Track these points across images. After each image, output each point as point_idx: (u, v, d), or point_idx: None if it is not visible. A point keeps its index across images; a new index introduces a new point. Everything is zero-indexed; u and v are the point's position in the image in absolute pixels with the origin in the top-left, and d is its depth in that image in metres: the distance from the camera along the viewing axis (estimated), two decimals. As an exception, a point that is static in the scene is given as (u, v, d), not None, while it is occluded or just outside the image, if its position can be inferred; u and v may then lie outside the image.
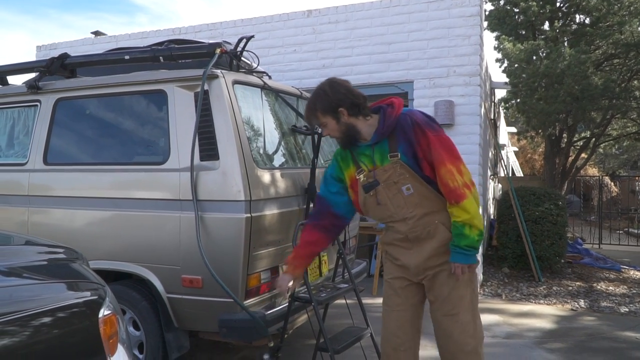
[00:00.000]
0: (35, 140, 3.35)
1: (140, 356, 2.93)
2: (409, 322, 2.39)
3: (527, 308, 5.13)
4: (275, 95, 3.36)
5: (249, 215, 2.69)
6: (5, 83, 3.92)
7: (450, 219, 2.20)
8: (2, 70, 3.81)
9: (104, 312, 1.59)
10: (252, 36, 3.27)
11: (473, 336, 2.29)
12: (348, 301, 3.26)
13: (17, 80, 4.08)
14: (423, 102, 5.74)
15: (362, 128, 2.27)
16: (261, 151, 3.04)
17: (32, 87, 3.39)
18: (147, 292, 2.94)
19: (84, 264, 1.82)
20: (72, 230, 3.14)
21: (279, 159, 3.26)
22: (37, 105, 3.41)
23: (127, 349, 1.70)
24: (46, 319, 1.45)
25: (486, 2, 8.58)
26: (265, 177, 2.90)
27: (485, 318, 4.69)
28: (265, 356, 2.84)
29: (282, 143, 3.34)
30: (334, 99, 2.23)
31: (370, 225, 5.62)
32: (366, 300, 3.50)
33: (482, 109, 5.86)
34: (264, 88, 3.24)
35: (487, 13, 8.64)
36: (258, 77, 3.32)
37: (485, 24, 8.17)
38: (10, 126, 3.58)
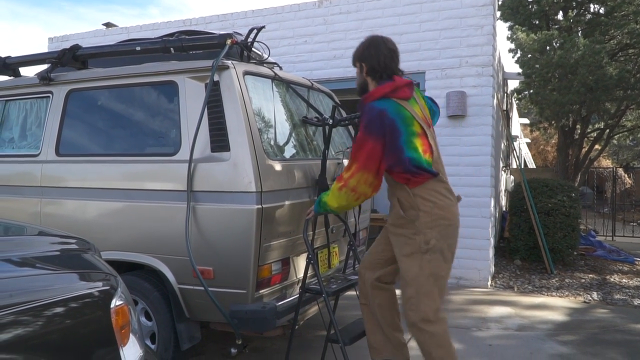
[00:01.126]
0: (47, 131, 3.37)
1: (153, 346, 2.95)
2: (382, 254, 2.74)
3: (539, 300, 5.09)
4: (286, 86, 3.34)
5: (259, 206, 2.68)
6: (18, 74, 3.94)
7: (403, 197, 2.50)
8: (14, 62, 3.82)
9: (115, 302, 1.59)
10: (263, 27, 3.25)
11: (415, 311, 2.45)
12: (359, 293, 3.25)
13: (29, 71, 4.11)
14: (435, 93, 5.69)
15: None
16: (272, 142, 3.03)
17: (44, 78, 3.40)
18: (158, 282, 2.96)
19: (95, 255, 1.83)
20: (84, 221, 3.16)
21: (289, 150, 3.25)
22: (49, 96, 3.43)
23: (139, 339, 1.71)
24: (58, 309, 1.46)
25: (499, -8, 8.46)
26: (276, 168, 2.89)
27: (497, 310, 4.68)
28: (233, 350, 2.90)
29: (293, 134, 3.33)
30: (363, 53, 2.59)
31: (381, 217, 5.60)
32: (377, 292, 3.48)
33: (495, 100, 5.80)
34: (275, 79, 3.23)
35: (500, 3, 8.53)
36: (269, 68, 3.30)
37: (498, 13, 8.07)
38: (22, 118, 3.60)
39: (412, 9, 5.81)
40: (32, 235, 2.02)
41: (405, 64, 5.81)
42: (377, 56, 2.53)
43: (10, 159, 3.55)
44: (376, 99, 2.47)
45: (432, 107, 2.88)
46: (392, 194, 2.61)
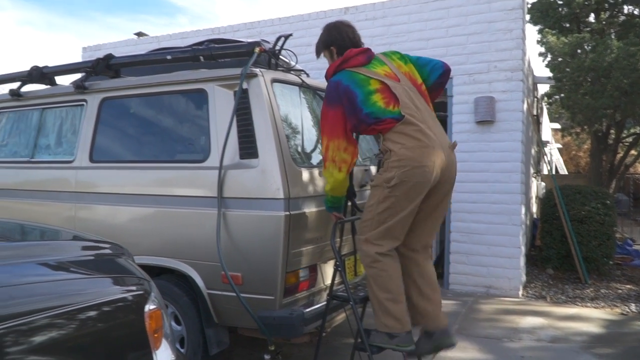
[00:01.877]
0: (81, 138, 3.46)
1: (182, 350, 2.98)
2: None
3: (574, 311, 4.96)
4: (313, 93, 3.36)
5: (287, 213, 2.69)
6: (54, 83, 4.06)
7: (380, 142, 2.72)
8: (51, 71, 3.94)
9: (149, 306, 1.62)
10: (290, 34, 3.28)
11: (362, 232, 2.74)
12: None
13: (64, 80, 4.22)
14: (462, 99, 5.63)
15: None
16: (300, 149, 3.05)
17: (79, 87, 3.50)
18: (188, 287, 3.00)
19: (129, 259, 1.86)
20: (116, 226, 3.22)
21: (317, 157, 3.26)
22: (83, 104, 3.52)
23: (171, 343, 1.73)
24: (93, 313, 1.49)
25: (528, -5, 8.34)
26: (304, 175, 2.90)
27: (529, 321, 4.57)
28: (266, 356, 2.88)
29: (320, 141, 3.33)
30: (328, 38, 2.86)
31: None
32: (405, 300, 3.45)
33: (525, 105, 5.70)
34: (302, 86, 3.25)
35: (529, 6, 8.41)
36: (296, 75, 3.32)
37: (527, 17, 7.95)
38: (58, 125, 3.71)
39: (439, 14, 5.77)
40: (67, 240, 2.06)
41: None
42: (341, 35, 2.83)
43: (46, 164, 3.66)
44: (332, 75, 2.78)
45: (421, 60, 2.90)
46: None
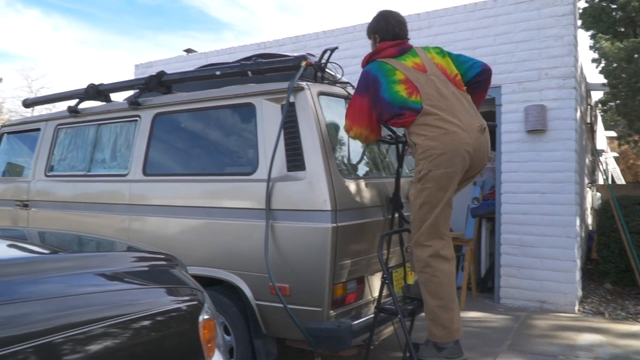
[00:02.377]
0: (135, 152, 3.58)
1: (231, 361, 3.02)
2: None
3: (635, 328, 4.70)
4: (359, 104, 3.35)
5: (334, 224, 2.70)
6: (109, 100, 4.23)
7: (407, 138, 2.81)
8: (106, 89, 4.12)
9: (203, 316, 1.65)
10: (336, 48, 3.30)
11: (413, 234, 2.76)
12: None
13: (117, 97, 4.40)
14: (512, 107, 5.50)
15: None
16: (346, 161, 3.05)
17: (133, 103, 3.64)
18: (237, 298, 3.04)
19: (183, 270, 1.91)
20: (167, 237, 3.31)
21: (363, 169, 3.26)
22: (137, 120, 3.66)
23: (223, 353, 1.75)
24: (147, 323, 1.53)
25: (579, 0, 8.09)
26: (351, 187, 2.90)
27: (587, 337, 4.37)
28: None
29: (366, 152, 3.33)
30: (375, 26, 3.00)
31: (457, 235, 5.45)
32: (454, 314, 3.37)
33: (578, 113, 5.51)
34: (348, 98, 3.25)
35: (580, 11, 8.14)
36: (342, 87, 3.34)
37: (579, 22, 7.70)
38: (113, 140, 3.87)
39: (486, 22, 5.67)
40: (122, 251, 2.14)
41: (481, 78, 5.68)
42: (387, 27, 2.94)
43: (101, 178, 3.82)
44: (365, 64, 2.92)
45: (461, 57, 2.98)
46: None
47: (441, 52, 2.94)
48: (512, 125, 5.50)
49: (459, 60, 2.93)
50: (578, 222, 5.33)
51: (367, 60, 2.93)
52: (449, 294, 2.65)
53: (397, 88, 2.71)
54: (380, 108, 2.76)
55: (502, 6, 5.60)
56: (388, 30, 2.94)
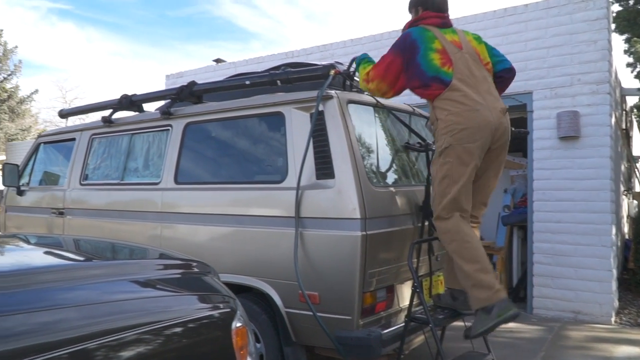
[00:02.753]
0: (167, 161, 3.65)
1: (260, 368, 3.02)
2: None
3: (675, 341, 4.53)
4: (387, 112, 3.35)
5: (364, 233, 2.69)
6: (142, 110, 4.33)
7: (430, 112, 2.89)
8: (139, 99, 4.21)
9: (236, 324, 1.66)
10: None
11: (434, 209, 2.81)
12: (467, 323, 3.11)
13: (149, 107, 4.48)
14: (544, 114, 5.39)
15: None
16: (375, 169, 3.04)
17: (165, 113, 3.71)
18: (266, 305, 3.05)
19: (215, 277, 1.93)
20: (198, 245, 3.35)
21: (392, 177, 3.24)
22: (169, 129, 3.73)
23: (254, 360, 1.76)
24: (180, 330, 1.54)
25: (613, 3, 7.91)
26: (380, 194, 2.89)
27: (625, 350, 4.23)
28: None
29: (396, 160, 3.32)
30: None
31: (487, 244, 5.36)
32: (486, 324, 3.31)
33: (612, 119, 5.37)
34: (377, 106, 3.26)
35: (614, 15, 7.96)
36: (370, 95, 3.33)
37: (612, 26, 7.54)
38: (146, 149, 3.95)
39: (516, 28, 5.60)
40: (155, 258, 2.16)
41: (510, 85, 5.59)
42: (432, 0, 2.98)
43: (134, 186, 3.90)
44: (407, 29, 2.96)
45: (494, 50, 3.13)
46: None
47: (478, 38, 3.06)
48: (544, 131, 5.40)
49: (492, 52, 3.06)
50: (614, 230, 5.18)
51: (410, 25, 2.98)
52: (484, 256, 2.68)
53: (432, 56, 2.77)
54: (412, 72, 2.81)
55: (533, 11, 5.52)
56: (434, 2, 2.98)
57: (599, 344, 4.41)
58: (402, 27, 3.10)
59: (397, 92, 2.95)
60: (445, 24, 2.97)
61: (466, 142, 2.65)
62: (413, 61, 2.80)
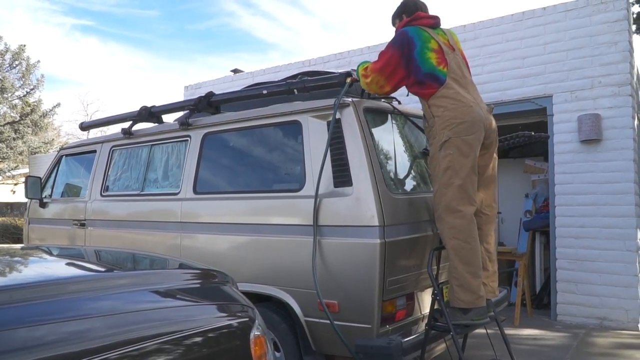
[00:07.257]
0: (186, 171, 3.68)
1: (281, 377, 3.02)
2: None
3: None
4: (405, 119, 3.34)
5: (383, 240, 2.67)
6: (161, 121, 4.38)
7: (425, 110, 2.96)
8: (158, 110, 4.27)
9: (254, 333, 1.66)
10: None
11: (438, 203, 2.84)
12: (488, 331, 3.07)
13: (168, 118, 4.54)
14: (564, 117, 5.32)
15: None
16: (393, 176, 3.03)
17: (184, 124, 3.75)
18: (286, 314, 3.04)
19: (233, 287, 1.93)
20: (217, 254, 3.37)
21: (410, 184, 3.22)
22: (187, 140, 3.77)
23: (273, 370, 1.76)
24: (200, 339, 1.55)
25: (633, 4, 7.79)
26: (398, 202, 2.87)
27: (653, 358, 4.12)
28: None
29: (414, 167, 3.30)
30: (404, 8, 3.15)
31: (509, 250, 5.29)
32: (508, 331, 3.27)
33: (635, 121, 5.27)
34: (394, 113, 3.25)
35: (634, 16, 7.84)
36: (387, 102, 3.33)
37: (633, 27, 7.41)
38: (165, 160, 3.99)
39: (535, 31, 5.54)
40: (174, 268, 2.18)
41: (530, 88, 5.56)
42: (416, 7, 3.11)
43: (154, 197, 3.94)
44: (401, 28, 3.04)
45: None
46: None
47: (457, 40, 3.22)
48: (565, 135, 5.32)
49: None
50: (639, 234, 5.07)
51: (403, 26, 3.05)
52: (479, 261, 2.80)
53: (429, 54, 2.89)
54: (410, 68, 2.89)
55: (551, 14, 5.46)
56: (418, 7, 3.12)
57: (626, 351, 4.30)
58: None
59: (395, 87, 3.01)
60: (436, 24, 3.08)
61: (464, 134, 2.78)
62: (411, 56, 2.88)
